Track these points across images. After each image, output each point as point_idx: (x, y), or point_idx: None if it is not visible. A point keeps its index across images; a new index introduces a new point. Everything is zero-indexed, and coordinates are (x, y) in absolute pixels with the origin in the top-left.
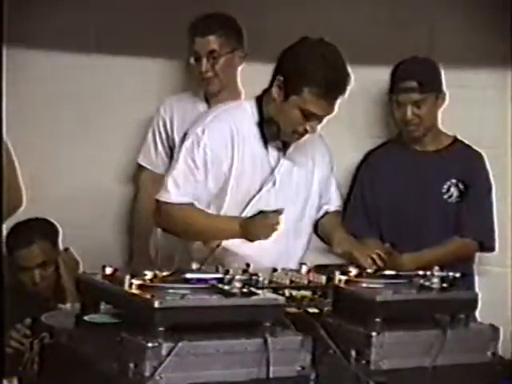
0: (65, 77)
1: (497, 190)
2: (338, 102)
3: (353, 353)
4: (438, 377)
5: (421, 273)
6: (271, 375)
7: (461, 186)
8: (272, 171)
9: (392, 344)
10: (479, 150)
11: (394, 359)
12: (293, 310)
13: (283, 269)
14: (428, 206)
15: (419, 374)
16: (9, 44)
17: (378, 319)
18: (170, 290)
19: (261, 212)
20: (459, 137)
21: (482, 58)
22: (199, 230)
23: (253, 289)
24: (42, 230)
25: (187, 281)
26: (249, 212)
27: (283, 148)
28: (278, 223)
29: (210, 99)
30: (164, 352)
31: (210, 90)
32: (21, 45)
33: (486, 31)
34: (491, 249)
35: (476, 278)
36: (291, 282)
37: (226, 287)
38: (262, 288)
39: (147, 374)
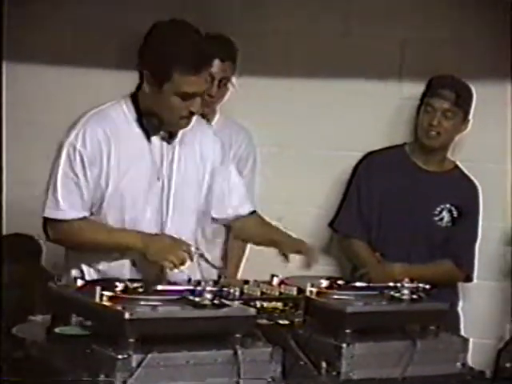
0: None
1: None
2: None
3: (323, 364)
4: None
5: (391, 284)
6: None
7: (454, 212)
8: (157, 164)
9: (362, 355)
10: (476, 182)
11: (365, 370)
12: (264, 321)
13: (255, 280)
14: (416, 222)
15: None
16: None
17: (348, 330)
18: (141, 302)
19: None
20: (459, 164)
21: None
22: (98, 243)
23: (224, 300)
24: (26, 247)
25: (158, 292)
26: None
27: (169, 138)
28: (187, 252)
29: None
30: (134, 363)
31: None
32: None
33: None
34: (471, 280)
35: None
36: (262, 293)
37: (197, 299)
38: (233, 299)
39: None
